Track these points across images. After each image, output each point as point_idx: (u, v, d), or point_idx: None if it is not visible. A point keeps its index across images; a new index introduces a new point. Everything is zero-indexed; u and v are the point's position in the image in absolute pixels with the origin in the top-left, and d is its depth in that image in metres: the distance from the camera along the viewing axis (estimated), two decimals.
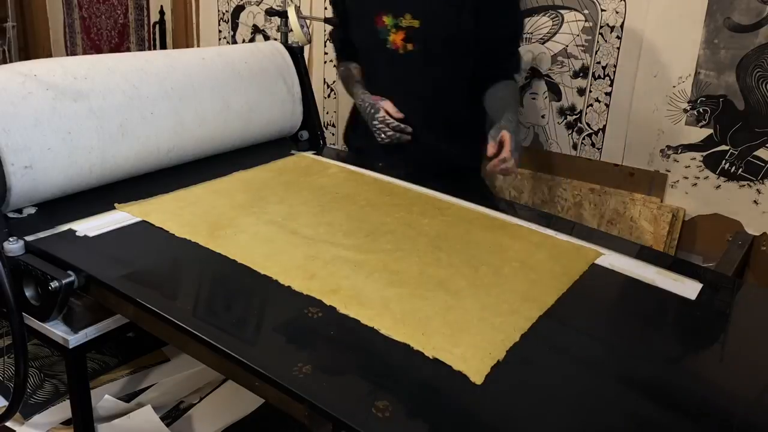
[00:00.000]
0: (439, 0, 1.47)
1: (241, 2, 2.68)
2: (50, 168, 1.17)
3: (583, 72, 1.90)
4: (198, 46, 2.88)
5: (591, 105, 1.91)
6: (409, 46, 1.50)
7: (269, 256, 1.07)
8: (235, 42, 2.75)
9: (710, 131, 1.76)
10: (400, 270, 1.05)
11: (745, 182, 1.74)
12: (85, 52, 3.36)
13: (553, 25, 1.91)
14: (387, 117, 1.51)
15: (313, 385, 0.78)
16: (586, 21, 1.86)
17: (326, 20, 1.88)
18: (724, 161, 1.76)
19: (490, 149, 1.35)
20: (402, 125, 1.52)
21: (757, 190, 1.73)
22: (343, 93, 2.46)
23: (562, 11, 1.89)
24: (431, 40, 1.49)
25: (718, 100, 1.73)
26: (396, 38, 1.50)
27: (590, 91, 1.90)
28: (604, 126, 1.90)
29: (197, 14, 2.85)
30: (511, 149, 1.35)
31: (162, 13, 2.93)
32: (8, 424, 1.35)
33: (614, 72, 1.85)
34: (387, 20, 1.49)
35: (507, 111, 1.48)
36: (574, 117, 1.95)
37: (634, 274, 1.11)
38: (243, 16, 2.70)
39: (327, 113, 2.52)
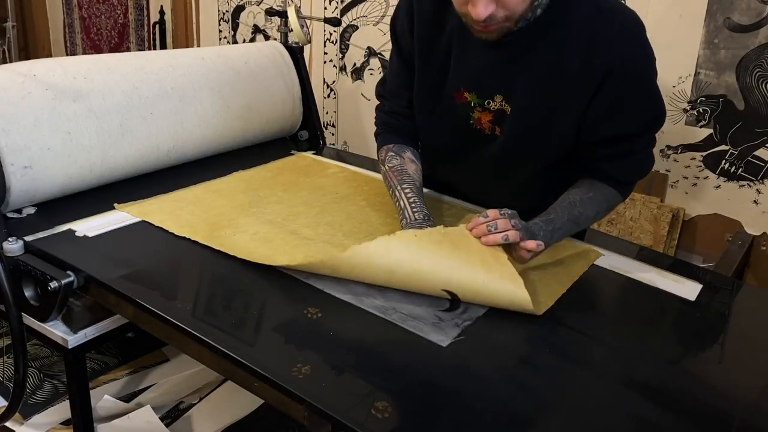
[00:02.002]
0: (541, 84, 1.10)
1: (242, 2, 2.68)
2: (50, 168, 1.17)
3: None
4: (198, 46, 2.88)
5: None
6: (497, 131, 1.17)
7: (268, 256, 1.07)
8: (235, 42, 2.75)
9: (710, 131, 1.76)
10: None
11: (745, 182, 1.74)
12: (85, 52, 3.36)
13: None
14: None
15: (312, 385, 0.78)
16: None
17: (326, 20, 1.88)
18: (724, 161, 1.76)
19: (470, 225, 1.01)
20: None
21: (757, 190, 1.73)
22: (343, 93, 2.46)
23: None
24: (524, 131, 1.15)
25: (718, 100, 1.73)
26: (482, 117, 1.17)
27: None
28: None
29: (197, 14, 2.85)
30: (507, 218, 1.00)
31: (162, 13, 2.93)
32: (8, 424, 1.35)
33: None
34: (470, 97, 1.16)
35: (558, 215, 1.09)
36: None
37: (634, 274, 1.11)
38: (243, 16, 2.70)
39: (327, 113, 2.52)
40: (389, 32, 1.27)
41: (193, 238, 1.11)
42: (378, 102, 1.34)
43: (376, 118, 1.34)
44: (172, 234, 1.12)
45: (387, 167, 1.25)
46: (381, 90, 1.33)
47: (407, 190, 1.18)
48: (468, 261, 0.97)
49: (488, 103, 1.15)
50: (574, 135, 1.15)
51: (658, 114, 1.14)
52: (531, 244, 1.00)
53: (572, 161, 1.20)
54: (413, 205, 1.15)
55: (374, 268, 0.97)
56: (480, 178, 1.26)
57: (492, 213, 1.01)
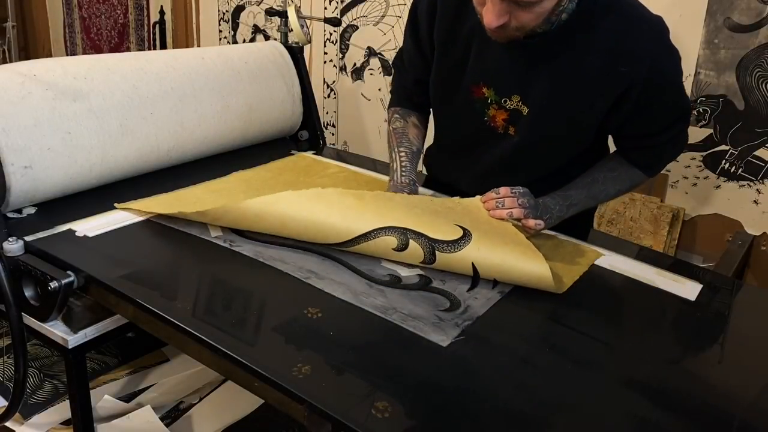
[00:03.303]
0: (561, 89, 1.11)
1: (242, 2, 2.68)
2: (50, 168, 1.17)
3: None
4: (198, 46, 2.88)
5: None
6: (511, 130, 1.18)
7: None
8: (235, 42, 2.75)
9: (710, 131, 1.76)
10: None
11: (745, 182, 1.74)
12: (85, 52, 3.36)
13: None
14: None
15: (312, 385, 0.78)
16: None
17: (326, 20, 1.88)
18: (724, 161, 1.76)
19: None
20: None
21: (757, 190, 1.73)
22: (343, 93, 2.46)
23: None
24: (540, 134, 1.17)
25: (718, 100, 1.73)
26: (497, 115, 1.18)
27: None
28: None
29: (197, 14, 2.85)
30: (516, 197, 1.10)
31: (162, 13, 2.93)
32: (8, 424, 1.35)
33: None
34: (488, 93, 1.16)
35: (577, 191, 1.18)
36: None
37: (634, 274, 1.11)
38: (243, 16, 2.70)
39: (327, 113, 2.52)
40: (408, 12, 1.28)
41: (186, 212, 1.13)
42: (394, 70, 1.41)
43: (392, 91, 1.41)
44: (172, 234, 1.12)
45: (391, 128, 1.31)
46: (397, 61, 1.37)
47: (402, 154, 1.24)
48: (479, 221, 1.06)
49: (505, 101, 1.16)
50: (590, 139, 1.18)
51: (683, 112, 1.18)
52: (530, 222, 1.09)
53: (580, 165, 1.22)
54: (403, 169, 1.21)
55: (393, 203, 1.08)
56: (485, 177, 1.26)
57: (503, 190, 1.10)
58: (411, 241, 1.01)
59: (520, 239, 1.05)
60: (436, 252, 1.01)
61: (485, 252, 1.01)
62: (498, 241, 1.03)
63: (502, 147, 1.20)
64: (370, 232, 1.02)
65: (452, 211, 1.10)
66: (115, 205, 1.23)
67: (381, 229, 1.02)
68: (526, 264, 1.00)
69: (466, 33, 1.16)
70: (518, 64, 1.11)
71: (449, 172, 1.34)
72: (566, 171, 1.22)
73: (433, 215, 1.07)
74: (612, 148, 1.29)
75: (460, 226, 1.03)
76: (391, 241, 1.02)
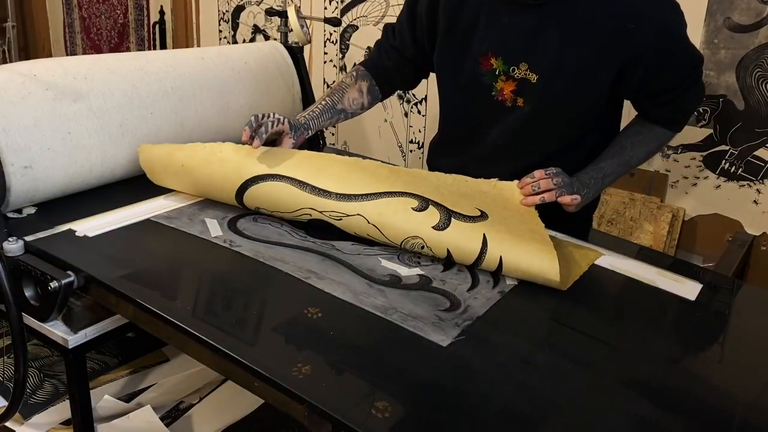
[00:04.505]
0: (570, 52, 1.12)
1: (242, 2, 2.68)
2: (50, 168, 1.17)
3: None
4: (198, 46, 2.88)
5: None
6: (519, 101, 1.19)
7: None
8: (235, 42, 2.75)
9: (710, 131, 1.76)
10: None
11: (745, 182, 1.74)
12: (84, 52, 3.36)
13: None
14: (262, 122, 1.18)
15: (312, 385, 0.78)
16: None
17: (326, 20, 1.88)
18: (723, 161, 1.76)
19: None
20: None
21: (757, 190, 1.73)
22: None
23: None
24: (550, 100, 1.17)
25: (718, 100, 1.73)
26: (505, 87, 1.19)
27: None
28: None
29: (197, 14, 2.85)
30: (551, 177, 1.12)
31: (162, 13, 2.93)
32: (8, 424, 1.35)
33: None
34: (496, 64, 1.17)
35: (608, 162, 1.22)
36: None
37: (634, 274, 1.11)
38: (243, 16, 2.70)
39: None
40: None
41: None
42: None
43: (372, 51, 1.45)
44: (172, 234, 1.12)
45: (339, 80, 1.37)
46: (389, 25, 1.39)
47: (322, 103, 1.32)
48: (506, 209, 1.10)
49: (513, 71, 1.17)
50: (600, 108, 1.20)
51: (696, 64, 1.20)
52: (566, 199, 1.12)
53: (590, 142, 1.24)
54: (311, 112, 1.30)
55: (426, 181, 1.14)
56: (493, 157, 1.27)
57: (538, 173, 1.12)
58: (431, 206, 1.07)
59: (540, 231, 1.07)
60: (452, 219, 1.05)
61: (498, 230, 1.04)
62: (515, 227, 1.06)
63: (511, 121, 1.21)
64: (395, 191, 1.09)
65: (484, 196, 1.13)
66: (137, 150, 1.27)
67: (406, 192, 1.09)
68: (535, 249, 1.02)
69: (474, 6, 1.18)
70: (525, 30, 1.14)
71: (454, 160, 1.32)
72: (577, 149, 1.24)
73: (460, 197, 1.11)
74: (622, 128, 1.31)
75: (480, 210, 1.07)
76: (412, 201, 1.08)
